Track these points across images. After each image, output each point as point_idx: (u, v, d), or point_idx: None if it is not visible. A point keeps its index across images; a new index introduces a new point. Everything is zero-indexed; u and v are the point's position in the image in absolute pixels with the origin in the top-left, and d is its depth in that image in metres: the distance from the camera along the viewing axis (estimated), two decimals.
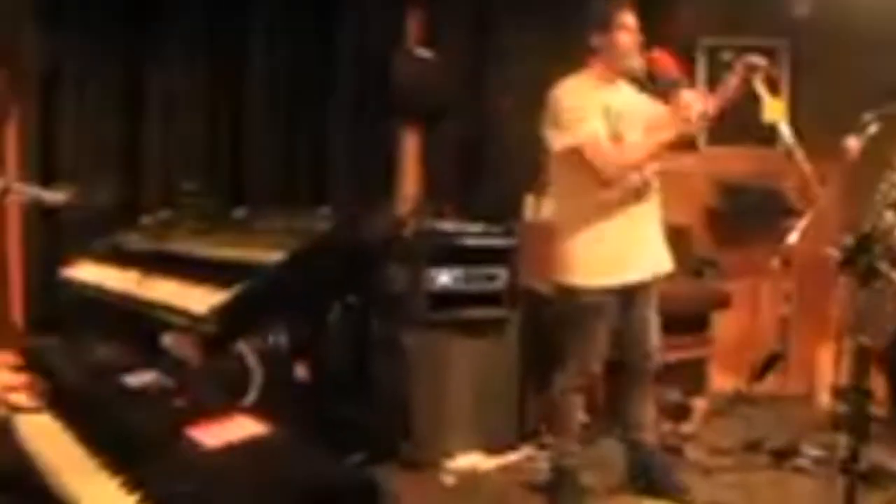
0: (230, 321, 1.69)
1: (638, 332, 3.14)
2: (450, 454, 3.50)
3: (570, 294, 3.04)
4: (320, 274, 1.80)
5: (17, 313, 3.70)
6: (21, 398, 1.83)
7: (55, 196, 2.52)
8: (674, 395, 4.02)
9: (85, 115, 3.72)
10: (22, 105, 3.60)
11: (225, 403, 1.74)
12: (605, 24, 2.98)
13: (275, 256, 1.77)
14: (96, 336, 2.60)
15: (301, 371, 1.95)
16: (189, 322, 1.85)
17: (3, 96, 3.48)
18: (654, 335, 3.17)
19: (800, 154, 2.99)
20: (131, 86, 3.74)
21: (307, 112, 4.09)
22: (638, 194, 3.01)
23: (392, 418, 3.38)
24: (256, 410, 1.68)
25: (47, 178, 3.20)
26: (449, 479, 3.35)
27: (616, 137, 2.95)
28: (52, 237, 3.62)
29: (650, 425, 3.24)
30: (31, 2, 3.57)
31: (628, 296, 3.06)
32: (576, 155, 2.92)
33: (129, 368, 2.06)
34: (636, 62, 2.99)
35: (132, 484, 1.42)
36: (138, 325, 2.36)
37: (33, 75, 3.63)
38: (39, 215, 3.56)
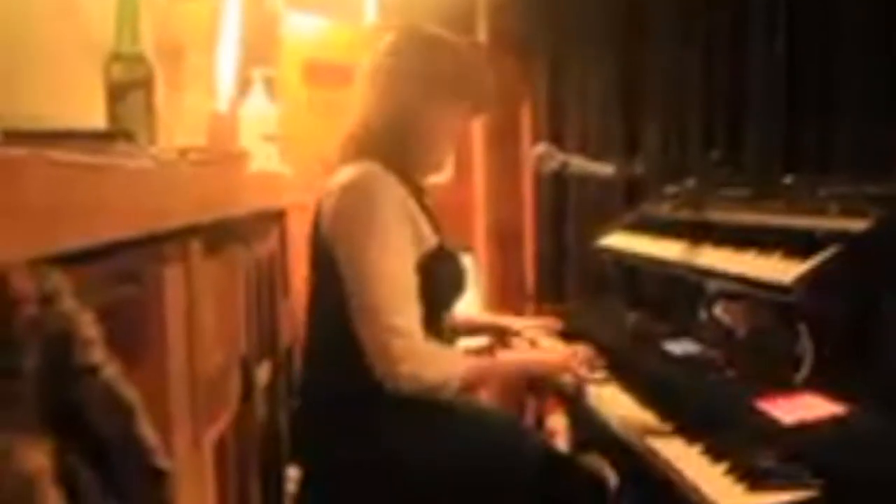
0: (815, 292, 1.49)
1: None
2: None
3: None
4: None
5: (530, 280, 3.74)
6: (589, 371, 1.93)
7: (605, 169, 2.46)
8: None
9: (589, 93, 3.64)
10: (534, 88, 3.75)
11: (780, 378, 1.66)
12: None
13: (856, 225, 1.51)
14: (620, 302, 2.75)
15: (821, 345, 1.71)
16: (758, 292, 1.66)
17: (515, 81, 3.70)
18: None
19: None
20: (630, 61, 3.58)
21: (811, 66, 3.53)
22: None
23: None
24: (813, 387, 1.58)
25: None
26: None
27: None
28: (561, 208, 3.62)
29: None
30: None
31: None
32: None
33: (668, 336, 2.11)
34: None
35: (715, 452, 1.45)
36: (675, 292, 2.37)
37: (543, 60, 3.73)
38: (551, 187, 3.59)
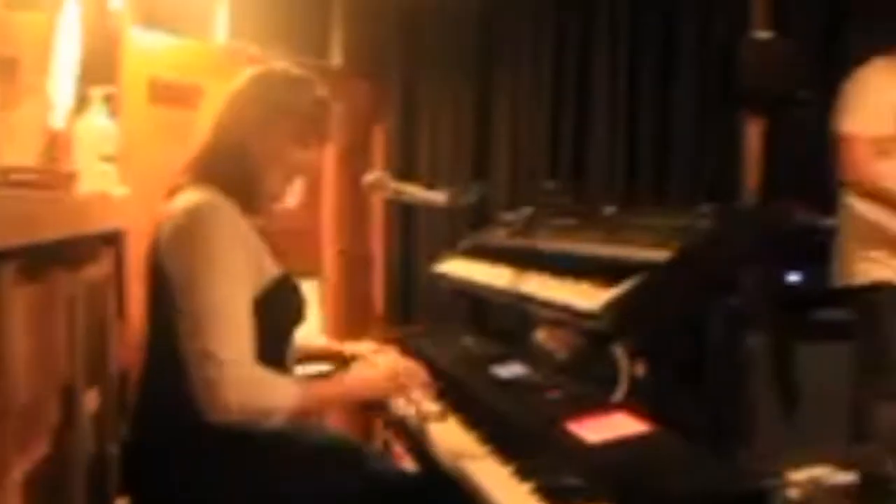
0: (620, 318, 1.59)
1: None
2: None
3: None
4: (708, 274, 1.66)
5: (378, 305, 3.85)
6: (432, 407, 1.96)
7: (437, 197, 2.51)
8: None
9: (440, 117, 3.93)
10: (386, 112, 3.89)
11: (597, 399, 1.77)
12: None
13: (660, 254, 1.63)
14: (461, 327, 2.90)
15: (638, 368, 1.81)
16: (571, 318, 1.75)
17: (368, 104, 3.82)
18: None
19: None
20: (481, 89, 3.94)
21: (648, 105, 3.84)
22: None
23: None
24: (626, 408, 1.69)
25: (408, 180, 3.12)
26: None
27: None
28: (409, 233, 3.85)
29: None
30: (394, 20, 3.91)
31: None
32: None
33: (498, 359, 2.20)
34: None
35: (525, 472, 1.53)
36: (509, 317, 2.51)
37: (396, 84, 3.90)
38: (399, 212, 3.79)
